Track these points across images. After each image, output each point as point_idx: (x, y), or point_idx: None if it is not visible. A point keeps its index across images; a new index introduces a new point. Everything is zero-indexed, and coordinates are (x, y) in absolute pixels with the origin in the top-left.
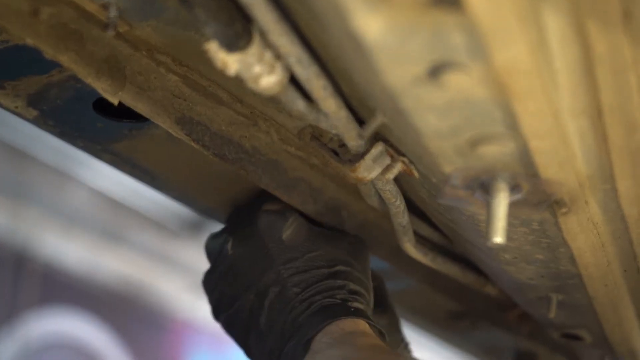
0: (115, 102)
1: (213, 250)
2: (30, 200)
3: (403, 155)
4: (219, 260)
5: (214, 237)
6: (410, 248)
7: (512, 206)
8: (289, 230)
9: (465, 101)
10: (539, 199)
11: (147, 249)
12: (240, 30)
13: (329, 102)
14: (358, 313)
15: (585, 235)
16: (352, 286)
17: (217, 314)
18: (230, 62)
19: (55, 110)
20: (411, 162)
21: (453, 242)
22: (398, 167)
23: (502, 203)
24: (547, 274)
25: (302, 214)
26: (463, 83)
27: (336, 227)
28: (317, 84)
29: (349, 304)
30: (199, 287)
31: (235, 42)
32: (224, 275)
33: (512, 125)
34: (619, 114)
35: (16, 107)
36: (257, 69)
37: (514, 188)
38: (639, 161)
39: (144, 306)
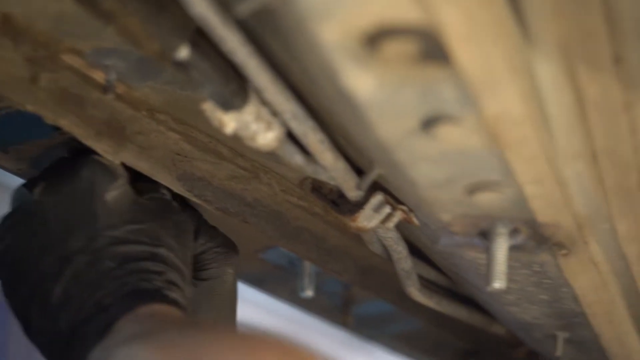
0: (117, 162)
1: (17, 198)
2: None
3: (402, 204)
4: (20, 206)
5: (24, 184)
6: (415, 292)
7: (512, 250)
8: (116, 191)
9: (458, 151)
10: (538, 242)
11: None
12: (236, 90)
13: (326, 155)
14: (174, 303)
15: (587, 274)
16: (171, 275)
17: None
18: (227, 121)
19: None
20: (411, 210)
21: (457, 284)
22: (398, 216)
23: (501, 248)
24: (551, 313)
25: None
26: (455, 134)
27: (339, 272)
28: (313, 138)
29: (165, 292)
30: None
31: (232, 101)
32: (21, 224)
33: (507, 172)
34: (613, 156)
35: (19, 170)
36: (254, 126)
37: (512, 233)
38: (636, 201)
39: None
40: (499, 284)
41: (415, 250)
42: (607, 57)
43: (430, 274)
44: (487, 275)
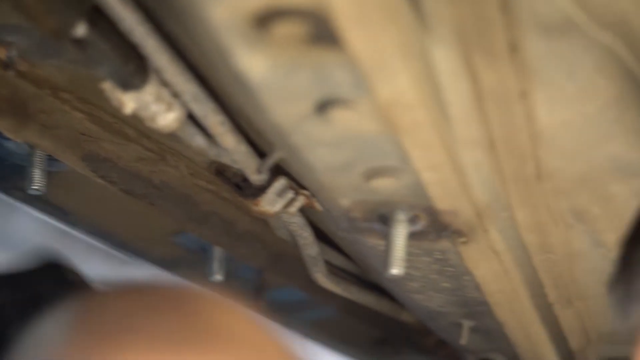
0: (19, 141)
1: None
2: None
3: (305, 188)
4: None
5: None
6: (322, 278)
7: (412, 237)
8: None
9: (354, 136)
10: (438, 230)
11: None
12: (134, 70)
13: (228, 138)
14: None
15: (488, 263)
16: None
17: None
18: (126, 101)
19: None
20: (313, 195)
21: (365, 272)
22: (300, 201)
23: (400, 234)
24: (455, 302)
25: None
26: (350, 118)
27: (248, 258)
28: (214, 120)
29: None
30: None
31: (130, 81)
32: None
33: (403, 158)
34: (510, 145)
35: None
36: (154, 107)
37: (412, 219)
38: (534, 190)
39: None
40: (397, 270)
41: (324, 237)
42: (503, 45)
43: (339, 260)
44: (386, 261)
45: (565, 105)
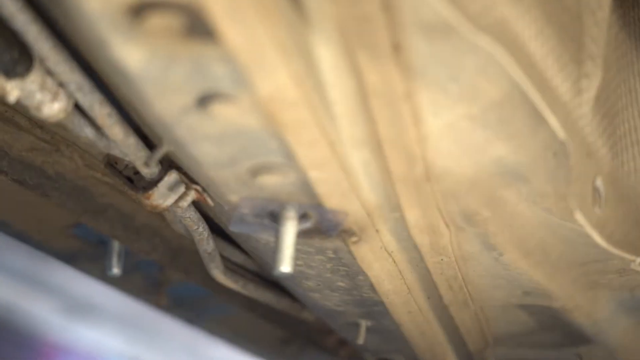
0: None
1: None
2: None
3: (197, 183)
4: None
5: None
6: (219, 275)
7: (302, 235)
8: None
9: (238, 131)
10: (327, 228)
11: (16, 270)
12: (17, 57)
13: (116, 130)
14: None
15: (381, 263)
16: None
17: None
18: (10, 89)
19: None
20: (204, 190)
21: (263, 269)
22: (192, 195)
23: (289, 232)
24: (352, 301)
25: None
26: (231, 113)
27: (147, 252)
28: (101, 112)
29: None
30: (70, 309)
31: (13, 68)
32: None
33: (288, 155)
34: (398, 145)
35: None
36: (39, 96)
37: (302, 217)
38: (424, 191)
39: (14, 329)
40: (286, 267)
41: (223, 233)
42: (386, 44)
43: (238, 257)
44: (275, 258)
45: (450, 107)
